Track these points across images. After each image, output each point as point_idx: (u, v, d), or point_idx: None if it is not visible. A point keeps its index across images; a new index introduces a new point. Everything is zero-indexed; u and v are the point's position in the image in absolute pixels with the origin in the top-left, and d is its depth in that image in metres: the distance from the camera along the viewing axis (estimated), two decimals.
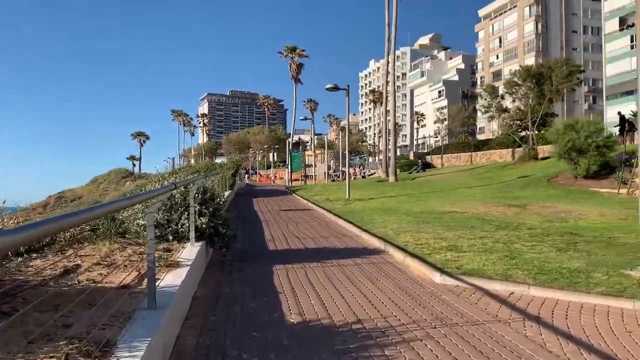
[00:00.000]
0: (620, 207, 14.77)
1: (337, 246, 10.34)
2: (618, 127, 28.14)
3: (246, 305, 5.96)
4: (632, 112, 35.80)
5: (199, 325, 5.21)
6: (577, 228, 11.54)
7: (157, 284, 5.26)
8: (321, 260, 8.61)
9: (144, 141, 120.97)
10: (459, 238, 10.15)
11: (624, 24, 60.12)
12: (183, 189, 8.08)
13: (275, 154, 77.64)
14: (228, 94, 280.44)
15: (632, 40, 58.65)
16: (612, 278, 6.53)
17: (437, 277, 7.13)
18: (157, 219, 7.77)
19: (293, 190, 31.40)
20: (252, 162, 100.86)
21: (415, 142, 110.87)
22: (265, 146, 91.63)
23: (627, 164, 18.87)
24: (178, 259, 6.59)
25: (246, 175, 65.09)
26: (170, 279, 5.53)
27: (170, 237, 7.78)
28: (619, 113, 29.81)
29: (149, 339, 3.60)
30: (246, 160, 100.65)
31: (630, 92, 56.58)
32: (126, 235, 7.88)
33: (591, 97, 79.39)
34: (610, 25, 62.19)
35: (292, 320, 5.34)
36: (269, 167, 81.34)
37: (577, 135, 21.43)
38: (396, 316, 5.44)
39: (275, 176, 67.49)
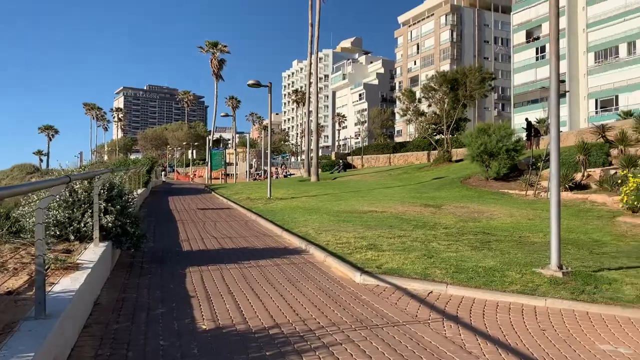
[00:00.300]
0: (528, 207, 15.54)
1: (257, 246, 9.99)
2: (525, 133, 29.86)
3: (154, 311, 5.48)
4: (537, 118, 38.29)
5: (100, 334, 4.69)
6: (490, 228, 11.95)
7: (50, 289, 4.70)
8: (239, 261, 8.24)
9: (53, 135, 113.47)
10: (378, 237, 10.14)
11: (530, 36, 64.36)
12: (87, 184, 7.41)
13: (194, 151, 75.56)
14: (145, 88, 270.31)
15: (537, 52, 62.88)
16: (525, 276, 6.70)
17: (358, 277, 7.00)
18: (56, 216, 7.09)
19: (212, 189, 30.55)
20: (169, 159, 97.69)
21: (336, 143, 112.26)
22: (184, 143, 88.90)
23: (534, 167, 19.97)
24: (78, 261, 6.00)
25: (163, 173, 62.77)
26: (67, 284, 4.98)
27: (72, 237, 7.12)
28: (527, 119, 31.70)
29: (32, 353, 3.12)
30: (163, 157, 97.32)
31: (535, 101, 60.63)
32: (21, 235, 7.09)
33: (500, 104, 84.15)
34: (518, 38, 66.34)
35: (204, 327, 4.95)
36: (187, 165, 79.12)
37: (489, 139, 22.39)
38: (316, 319, 5.21)
39: (194, 174, 65.73)
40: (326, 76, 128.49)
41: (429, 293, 6.32)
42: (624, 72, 51.80)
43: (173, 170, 79.21)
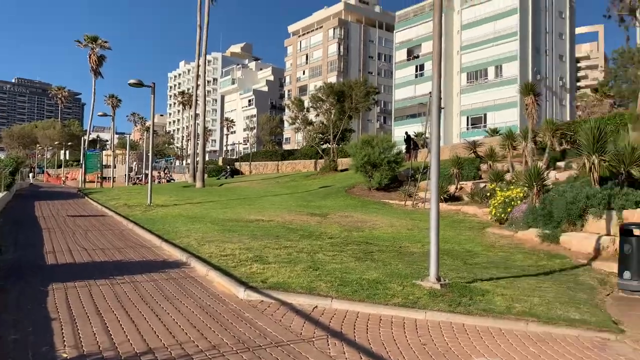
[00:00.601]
0: (407, 217, 16.25)
1: (132, 259, 9.28)
2: (405, 146, 31.44)
3: (5, 338, 4.76)
4: (415, 132, 40.61)
5: None
6: (372, 237, 12.25)
7: None
8: (111, 276, 7.55)
9: None
10: (264, 248, 9.92)
11: (411, 54, 68.38)
12: None
13: (68, 151, 70.08)
14: (14, 81, 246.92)
15: (416, 70, 66.97)
16: (406, 289, 6.86)
17: (242, 293, 6.72)
18: None
19: (86, 193, 28.35)
20: (39, 159, 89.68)
21: (224, 148, 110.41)
22: (57, 143, 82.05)
23: (413, 178, 21.03)
24: None
25: (31, 175, 57.40)
26: None
27: None
28: (406, 133, 33.44)
29: None
30: (32, 157, 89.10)
31: (413, 115, 64.36)
32: None
33: (382, 117, 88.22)
34: (400, 55, 70.23)
35: (64, 356, 4.38)
36: (60, 166, 73.12)
37: (373, 151, 23.21)
38: (194, 342, 4.85)
39: (67, 177, 60.91)
40: (215, 79, 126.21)
41: (314, 308, 6.22)
42: (492, 93, 56.94)
43: (43, 172, 72.73)
